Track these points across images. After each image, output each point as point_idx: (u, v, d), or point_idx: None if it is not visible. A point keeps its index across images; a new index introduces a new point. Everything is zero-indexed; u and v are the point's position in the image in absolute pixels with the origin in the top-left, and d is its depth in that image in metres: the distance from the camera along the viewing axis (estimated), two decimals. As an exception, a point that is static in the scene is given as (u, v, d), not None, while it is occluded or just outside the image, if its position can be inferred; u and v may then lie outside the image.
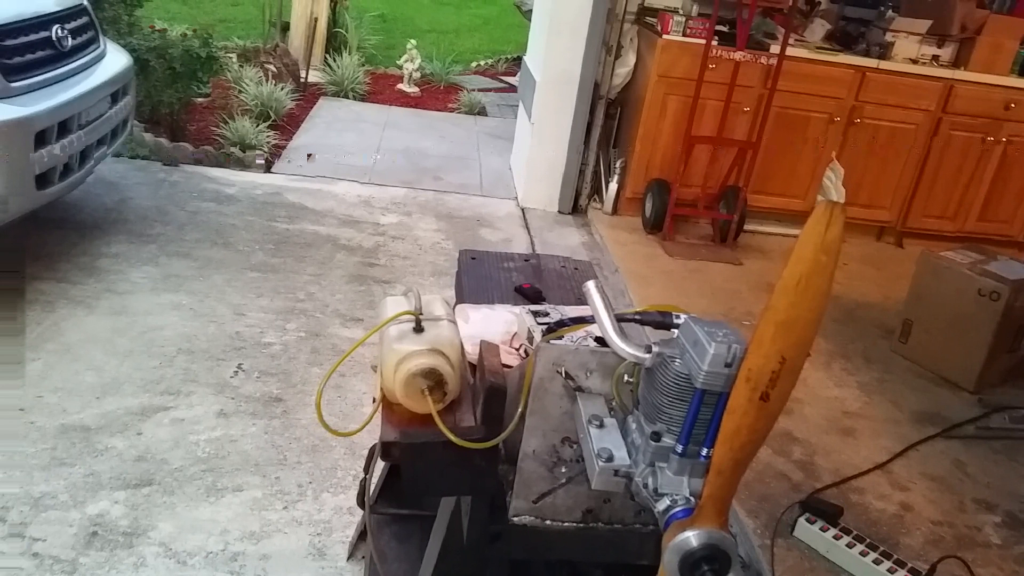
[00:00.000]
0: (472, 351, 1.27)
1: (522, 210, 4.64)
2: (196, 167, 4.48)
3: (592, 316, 1.09)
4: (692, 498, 0.94)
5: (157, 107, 4.67)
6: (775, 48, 4.11)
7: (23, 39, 2.96)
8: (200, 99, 5.34)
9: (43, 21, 3.10)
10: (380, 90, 6.87)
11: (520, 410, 1.10)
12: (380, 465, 1.77)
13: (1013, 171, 4.65)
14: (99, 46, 3.54)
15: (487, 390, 1.13)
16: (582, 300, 1.36)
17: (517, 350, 1.36)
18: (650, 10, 4.43)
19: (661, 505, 0.95)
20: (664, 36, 4.17)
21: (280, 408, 2.61)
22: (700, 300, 3.71)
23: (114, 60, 3.61)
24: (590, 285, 1.10)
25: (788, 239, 4.61)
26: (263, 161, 4.63)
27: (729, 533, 0.90)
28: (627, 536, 1.18)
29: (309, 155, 4.97)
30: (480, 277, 1.74)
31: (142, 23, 5.02)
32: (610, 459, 0.98)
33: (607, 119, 4.58)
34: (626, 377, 1.07)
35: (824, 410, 2.98)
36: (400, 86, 7.01)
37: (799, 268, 0.83)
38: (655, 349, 0.99)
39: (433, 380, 1.15)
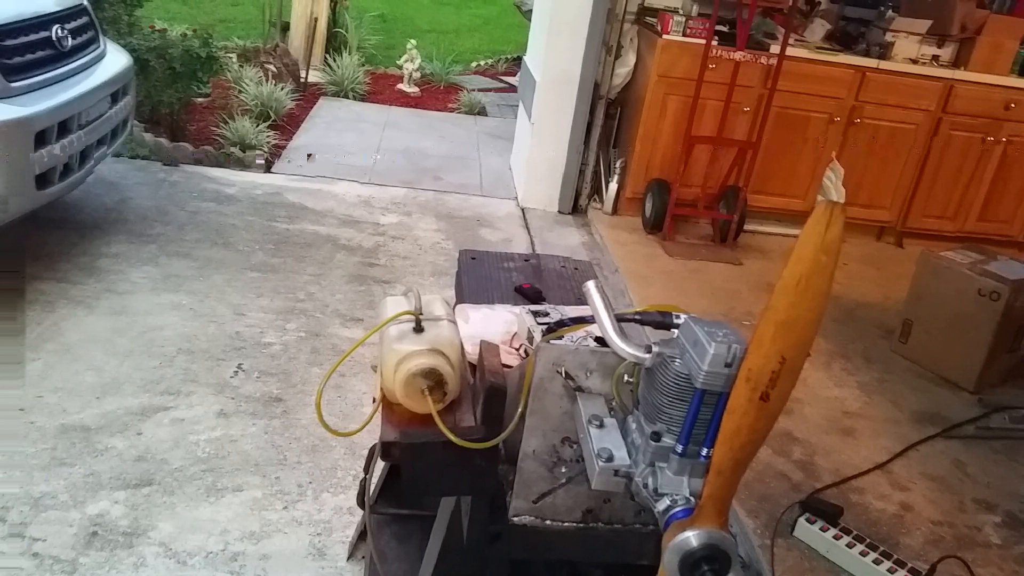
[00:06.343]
0: (472, 351, 1.27)
1: (522, 210, 4.64)
2: (196, 167, 4.48)
3: (592, 316, 1.09)
4: (692, 498, 0.94)
5: (157, 107, 4.67)
6: (775, 48, 4.11)
7: (23, 39, 2.96)
8: (200, 99, 5.34)
9: (43, 21, 3.09)
10: (380, 90, 6.87)
11: (520, 410, 1.10)
12: (380, 465, 1.77)
13: (1013, 171, 4.65)
14: (99, 46, 3.54)
15: (487, 390, 1.13)
16: (582, 300, 1.36)
17: (517, 350, 1.36)
18: (650, 10, 4.43)
19: (661, 505, 0.95)
20: (664, 36, 4.17)
21: (280, 408, 2.61)
22: (700, 300, 3.71)
23: (114, 60, 3.61)
24: (590, 285, 1.10)
25: (788, 239, 4.61)
26: (263, 161, 4.63)
27: (729, 533, 0.90)
28: (627, 536, 1.18)
29: (309, 155, 4.97)
30: (480, 277, 1.74)
31: (142, 23, 5.02)
32: (610, 459, 0.98)
33: (607, 119, 4.58)
34: (626, 377, 1.07)
35: (824, 410, 2.98)
36: (400, 86, 7.01)
37: (799, 268, 0.83)
38: (655, 349, 0.99)
39: (433, 380, 1.15)
